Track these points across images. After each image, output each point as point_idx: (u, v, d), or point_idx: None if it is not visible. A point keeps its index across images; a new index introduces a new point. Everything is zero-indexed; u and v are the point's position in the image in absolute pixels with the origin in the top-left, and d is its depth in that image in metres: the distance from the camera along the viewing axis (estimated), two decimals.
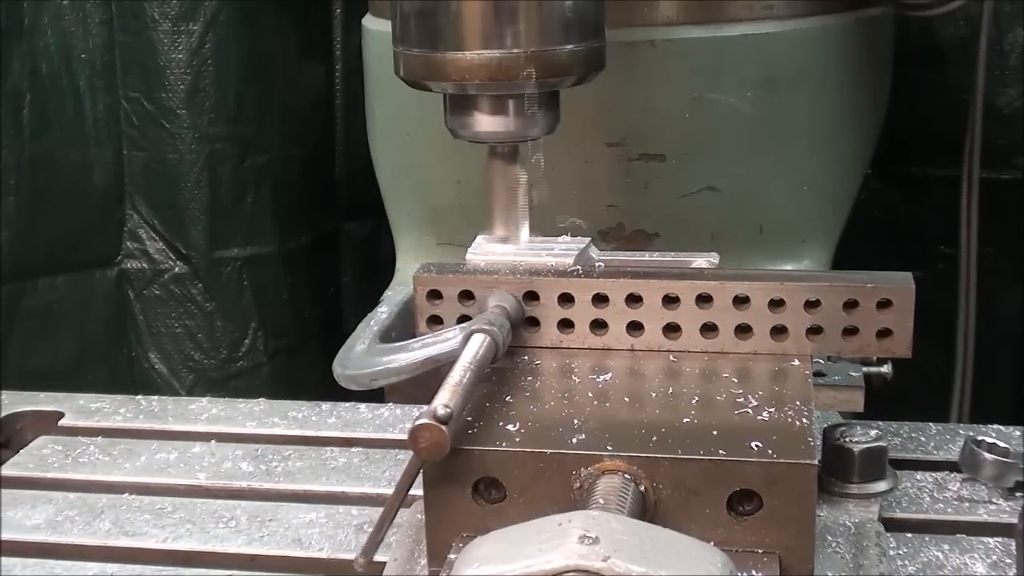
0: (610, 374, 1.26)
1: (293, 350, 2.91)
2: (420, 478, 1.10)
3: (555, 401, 1.20)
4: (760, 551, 1.06)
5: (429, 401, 1.08)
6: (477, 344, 1.21)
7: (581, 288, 1.32)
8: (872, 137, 2.19)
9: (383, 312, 1.42)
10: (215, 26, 2.66)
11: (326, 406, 1.57)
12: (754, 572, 1.04)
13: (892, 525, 1.25)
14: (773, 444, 1.07)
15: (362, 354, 1.33)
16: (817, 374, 1.39)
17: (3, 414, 1.57)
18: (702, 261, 1.36)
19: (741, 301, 1.29)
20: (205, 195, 2.74)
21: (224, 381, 2.83)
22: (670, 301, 1.31)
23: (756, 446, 1.07)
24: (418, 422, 1.06)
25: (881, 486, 1.27)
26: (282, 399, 1.60)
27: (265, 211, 2.81)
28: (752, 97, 1.96)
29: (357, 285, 3.01)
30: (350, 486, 1.39)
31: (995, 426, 1.40)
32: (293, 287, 2.89)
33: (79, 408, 1.59)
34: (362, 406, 1.56)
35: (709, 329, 1.30)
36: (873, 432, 1.28)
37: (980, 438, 1.33)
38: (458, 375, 1.14)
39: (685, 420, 1.14)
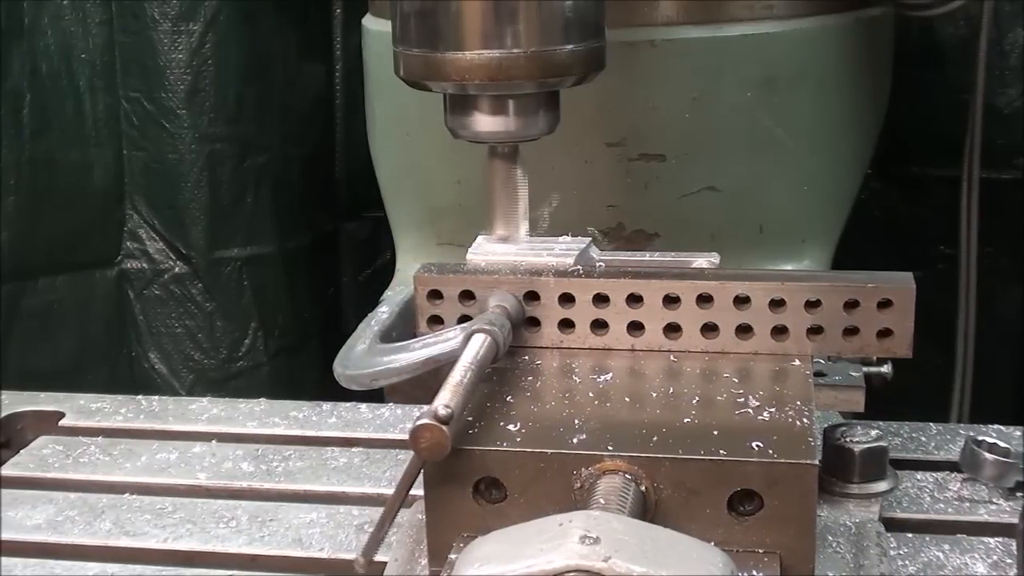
0: (611, 374, 1.26)
1: (293, 350, 2.91)
2: (421, 478, 1.10)
3: (556, 401, 1.20)
4: (761, 551, 1.06)
5: (430, 401, 1.08)
6: (478, 344, 1.21)
7: (582, 288, 1.32)
8: (872, 137, 2.19)
9: (384, 312, 1.42)
10: (215, 26, 2.66)
11: (327, 406, 1.57)
12: (755, 572, 1.04)
13: (893, 525, 1.25)
14: (774, 444, 1.07)
15: (363, 354, 1.33)
16: (818, 374, 1.39)
17: (4, 414, 1.56)
18: (703, 261, 1.36)
19: (742, 301, 1.29)
20: (205, 195, 2.74)
21: (224, 381, 2.83)
22: (671, 301, 1.31)
23: (757, 446, 1.07)
24: (419, 422, 1.06)
25: (882, 486, 1.27)
26: (282, 399, 1.60)
27: (265, 211, 2.81)
28: (752, 97, 1.95)
29: (357, 285, 3.02)
30: (351, 486, 1.39)
31: (995, 426, 1.40)
32: (293, 287, 2.89)
33: (80, 408, 1.59)
34: (363, 406, 1.56)
35: (710, 329, 1.30)
36: (874, 432, 1.28)
37: (981, 438, 1.33)
38: (459, 375, 1.14)
39: (686, 420, 1.14)
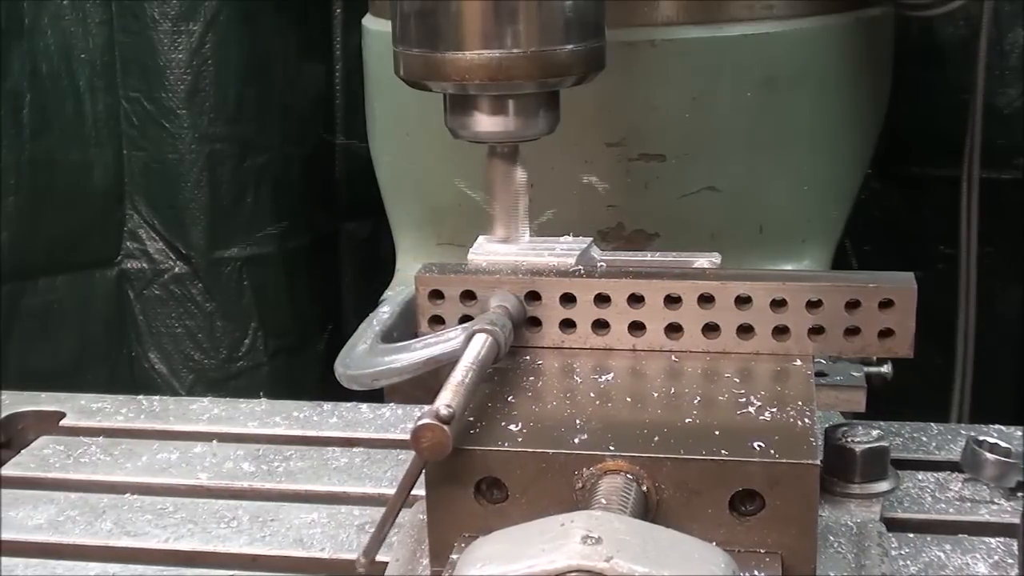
0: (612, 374, 1.26)
1: (293, 350, 2.92)
2: (422, 478, 1.10)
3: (557, 401, 1.20)
4: (762, 551, 1.06)
5: (430, 401, 1.08)
6: (479, 344, 1.21)
7: (583, 288, 1.32)
8: (872, 137, 2.19)
9: (385, 312, 1.42)
10: (215, 26, 2.66)
11: (327, 406, 1.57)
12: (756, 572, 1.04)
13: (894, 525, 1.25)
14: (775, 444, 1.07)
15: (364, 354, 1.33)
16: (819, 374, 1.39)
17: (5, 414, 1.56)
18: (704, 261, 1.36)
19: (743, 301, 1.29)
20: (205, 195, 2.74)
21: (224, 381, 2.83)
22: (672, 301, 1.31)
23: (758, 446, 1.07)
24: (420, 422, 1.06)
25: (883, 486, 1.27)
26: (282, 399, 1.60)
27: (265, 211, 2.81)
28: (752, 97, 1.95)
29: (357, 285, 3.01)
30: (352, 486, 1.39)
31: (996, 426, 1.40)
32: (293, 287, 2.90)
33: (80, 408, 1.59)
34: (364, 406, 1.56)
35: (711, 329, 1.30)
36: (875, 432, 1.28)
37: (982, 438, 1.33)
38: (460, 375, 1.14)
39: (687, 420, 1.14)
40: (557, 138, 1.53)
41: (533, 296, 1.33)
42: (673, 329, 1.31)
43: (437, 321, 1.37)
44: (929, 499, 1.30)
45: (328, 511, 1.33)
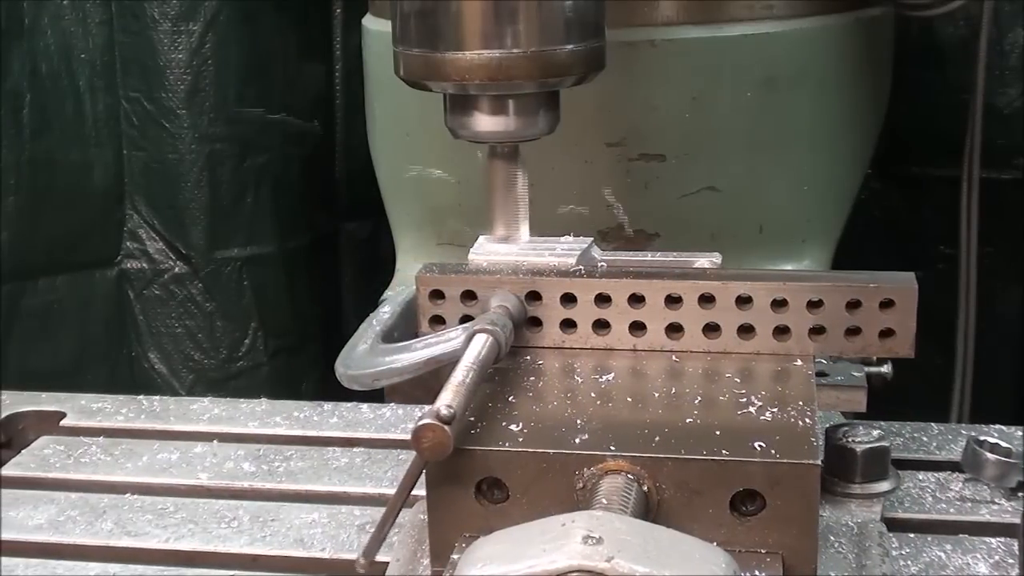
0: (613, 374, 1.26)
1: (293, 350, 2.91)
2: (423, 478, 1.10)
3: (558, 401, 1.20)
4: (763, 551, 1.06)
5: (431, 401, 1.08)
6: (480, 344, 1.21)
7: (583, 288, 1.32)
8: (872, 137, 2.19)
9: (385, 312, 1.42)
10: (215, 26, 2.66)
11: (328, 406, 1.57)
12: (757, 572, 1.04)
13: (895, 525, 1.25)
14: (776, 444, 1.07)
15: (365, 354, 1.33)
16: (819, 374, 1.39)
17: (5, 414, 1.56)
18: (704, 261, 1.36)
19: (744, 301, 1.29)
20: (205, 195, 2.74)
21: (224, 381, 2.83)
22: (672, 301, 1.31)
23: (759, 446, 1.07)
24: (421, 422, 1.06)
25: (884, 486, 1.27)
26: (282, 399, 1.60)
27: (265, 211, 2.81)
28: (752, 97, 1.95)
29: (357, 285, 3.01)
30: (352, 486, 1.39)
31: (997, 426, 1.40)
32: (293, 287, 2.89)
33: (81, 408, 1.59)
34: (364, 406, 1.56)
35: (712, 329, 1.30)
36: (875, 432, 1.29)
37: (982, 438, 1.33)
38: (461, 375, 1.14)
39: (688, 420, 1.14)
40: (557, 138, 1.53)
41: (534, 296, 1.33)
42: (674, 329, 1.31)
43: (438, 321, 1.37)
44: (930, 499, 1.30)
45: (329, 511, 1.33)
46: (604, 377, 1.26)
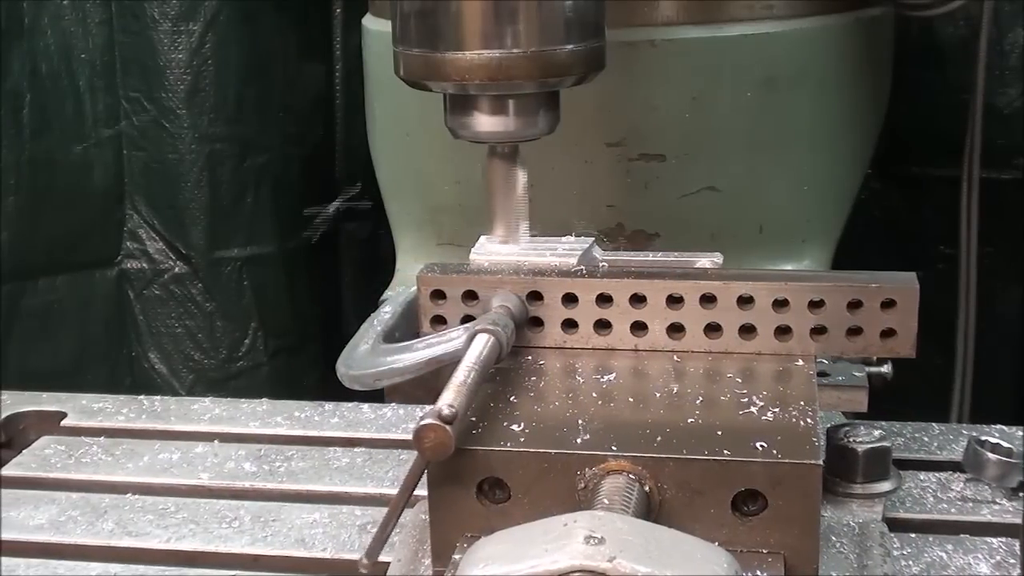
0: (614, 374, 1.26)
1: (293, 350, 2.91)
2: (424, 478, 1.10)
3: (559, 401, 1.20)
4: (765, 551, 1.06)
5: (431, 401, 1.08)
6: (481, 344, 1.21)
7: (585, 288, 1.32)
8: (872, 137, 2.19)
9: (387, 312, 1.42)
10: (215, 26, 2.66)
11: (329, 406, 1.57)
12: (759, 572, 1.04)
13: (896, 525, 1.25)
14: (777, 444, 1.07)
15: (366, 354, 1.33)
16: (821, 374, 1.39)
17: (6, 414, 1.56)
18: (706, 261, 1.36)
19: (745, 301, 1.29)
20: (205, 195, 2.74)
21: (224, 381, 2.83)
22: (674, 301, 1.31)
23: (760, 446, 1.07)
24: (423, 422, 1.06)
25: (885, 486, 1.27)
26: (282, 399, 1.60)
27: (265, 211, 2.81)
28: (752, 97, 1.96)
29: (357, 285, 3.01)
30: (353, 486, 1.39)
31: (998, 426, 1.40)
32: (293, 287, 2.89)
33: (82, 408, 1.59)
34: (365, 406, 1.56)
35: (713, 329, 1.30)
36: (877, 432, 1.29)
37: (983, 438, 1.33)
38: (462, 375, 1.14)
39: (689, 420, 1.14)
40: (557, 138, 1.53)
41: (535, 296, 1.33)
42: (675, 329, 1.31)
43: (439, 321, 1.37)
44: (931, 499, 1.30)
45: (330, 511, 1.33)
46: (605, 377, 1.26)
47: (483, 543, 0.98)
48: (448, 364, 1.24)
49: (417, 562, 1.18)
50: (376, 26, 2.19)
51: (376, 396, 1.46)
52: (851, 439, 1.28)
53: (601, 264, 1.38)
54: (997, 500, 1.29)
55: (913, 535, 1.23)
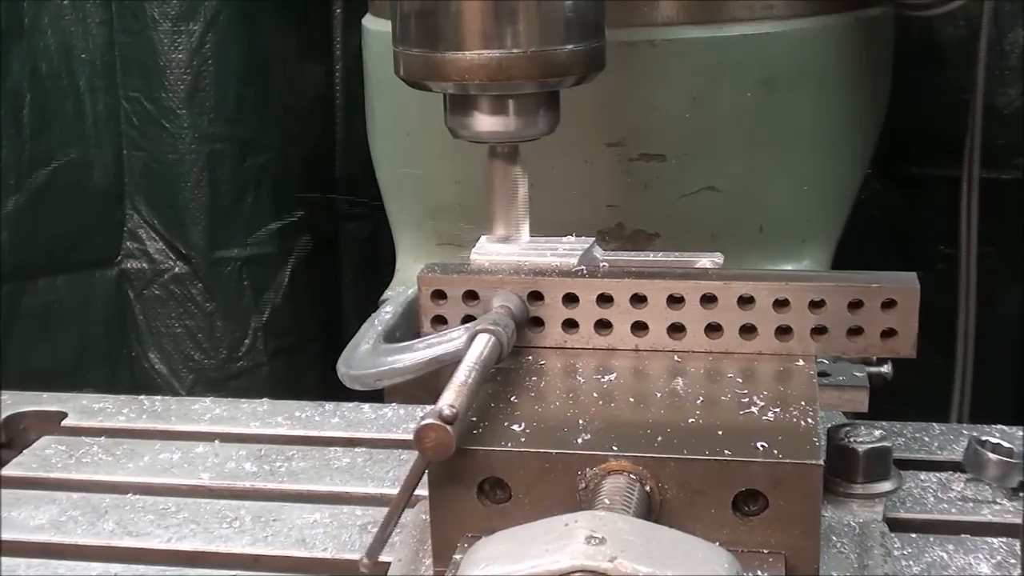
0: (615, 374, 1.26)
1: (293, 350, 2.92)
2: (425, 478, 1.10)
3: (560, 401, 1.20)
4: (765, 551, 1.06)
5: (430, 401, 1.08)
6: (482, 344, 1.21)
7: (585, 288, 1.32)
8: (872, 137, 2.19)
9: (387, 312, 1.42)
10: (215, 26, 2.67)
11: (329, 406, 1.57)
12: (760, 572, 1.04)
13: (896, 525, 1.25)
14: (778, 444, 1.07)
15: (366, 354, 1.33)
16: (821, 374, 1.39)
17: (6, 414, 1.56)
18: (706, 261, 1.36)
19: (746, 301, 1.29)
20: (205, 195, 2.75)
21: (224, 381, 2.84)
22: (674, 301, 1.31)
23: (761, 446, 1.07)
24: (424, 422, 1.06)
25: (886, 486, 1.27)
26: (282, 399, 1.60)
27: (265, 211, 2.81)
28: (752, 97, 1.95)
29: (357, 285, 3.01)
30: (354, 486, 1.39)
31: (999, 426, 1.40)
32: (293, 287, 2.90)
33: (82, 408, 1.59)
34: (365, 406, 1.56)
35: (713, 329, 1.30)
36: (877, 432, 1.28)
37: (984, 438, 1.33)
38: (463, 375, 1.14)
39: (690, 420, 1.14)
40: (557, 138, 1.53)
41: (536, 296, 1.33)
42: (676, 329, 1.31)
43: (440, 321, 1.37)
44: (932, 499, 1.30)
45: (330, 511, 1.33)
46: (606, 377, 1.26)
47: (484, 543, 0.98)
48: (449, 364, 1.24)
49: (418, 562, 1.18)
50: (376, 26, 2.19)
51: (376, 396, 1.46)
52: (852, 439, 1.28)
53: (602, 264, 1.37)
54: (998, 500, 1.29)
55: (914, 535, 1.23)
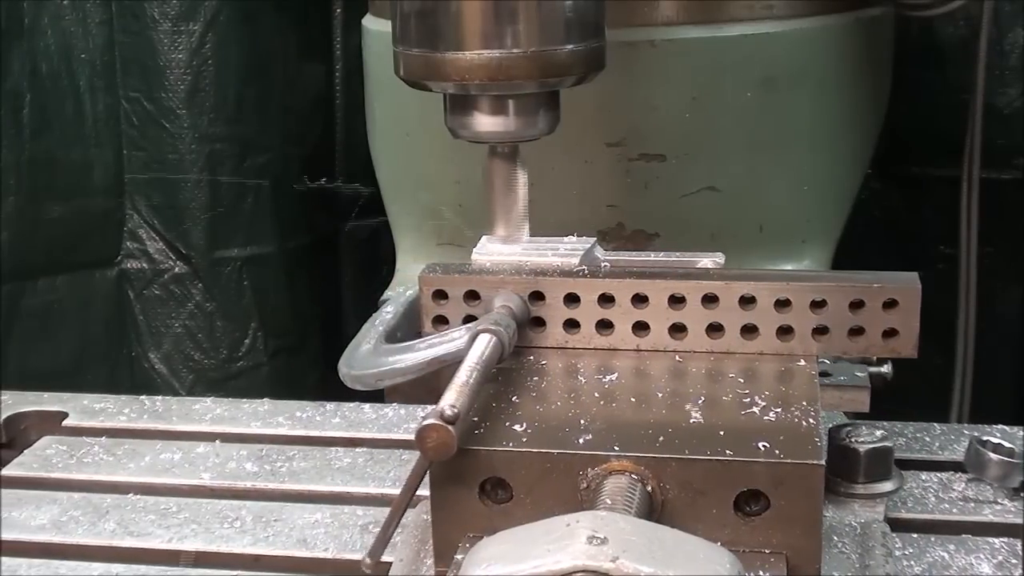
0: (616, 374, 1.26)
1: (293, 350, 2.92)
2: (426, 478, 1.10)
3: (561, 401, 1.20)
4: (767, 551, 1.06)
5: (431, 401, 1.08)
6: (483, 344, 1.21)
7: (587, 288, 1.32)
8: (872, 137, 2.19)
9: (388, 312, 1.42)
10: (215, 26, 2.67)
11: (330, 406, 1.57)
12: (761, 572, 1.04)
13: (898, 525, 1.25)
14: (780, 444, 1.07)
15: (368, 354, 1.33)
16: (823, 374, 1.39)
17: (7, 414, 1.56)
18: (707, 261, 1.36)
19: (747, 301, 1.29)
20: (205, 195, 2.75)
21: (224, 381, 2.84)
22: (676, 301, 1.30)
23: (763, 446, 1.07)
24: (425, 422, 1.06)
25: (887, 486, 1.27)
26: (282, 399, 1.60)
27: (265, 211, 2.81)
28: (752, 97, 1.95)
29: (357, 285, 3.01)
30: (355, 486, 1.39)
31: (1000, 426, 1.40)
32: (293, 287, 2.90)
33: (83, 408, 1.59)
34: (366, 406, 1.56)
35: (715, 329, 1.30)
36: (878, 432, 1.28)
37: (985, 438, 1.33)
38: (464, 375, 1.14)
39: (692, 420, 1.14)
40: (557, 138, 1.53)
41: (537, 296, 1.33)
42: (677, 329, 1.31)
43: (441, 321, 1.37)
44: (933, 499, 1.30)
45: (332, 511, 1.33)
46: (608, 377, 1.25)
47: (485, 543, 0.98)
48: (450, 364, 1.24)
49: (419, 562, 1.18)
50: (376, 26, 2.19)
51: (377, 396, 1.46)
52: (853, 439, 1.27)
53: (603, 264, 1.37)
54: (999, 500, 1.29)
55: (915, 535, 1.23)
